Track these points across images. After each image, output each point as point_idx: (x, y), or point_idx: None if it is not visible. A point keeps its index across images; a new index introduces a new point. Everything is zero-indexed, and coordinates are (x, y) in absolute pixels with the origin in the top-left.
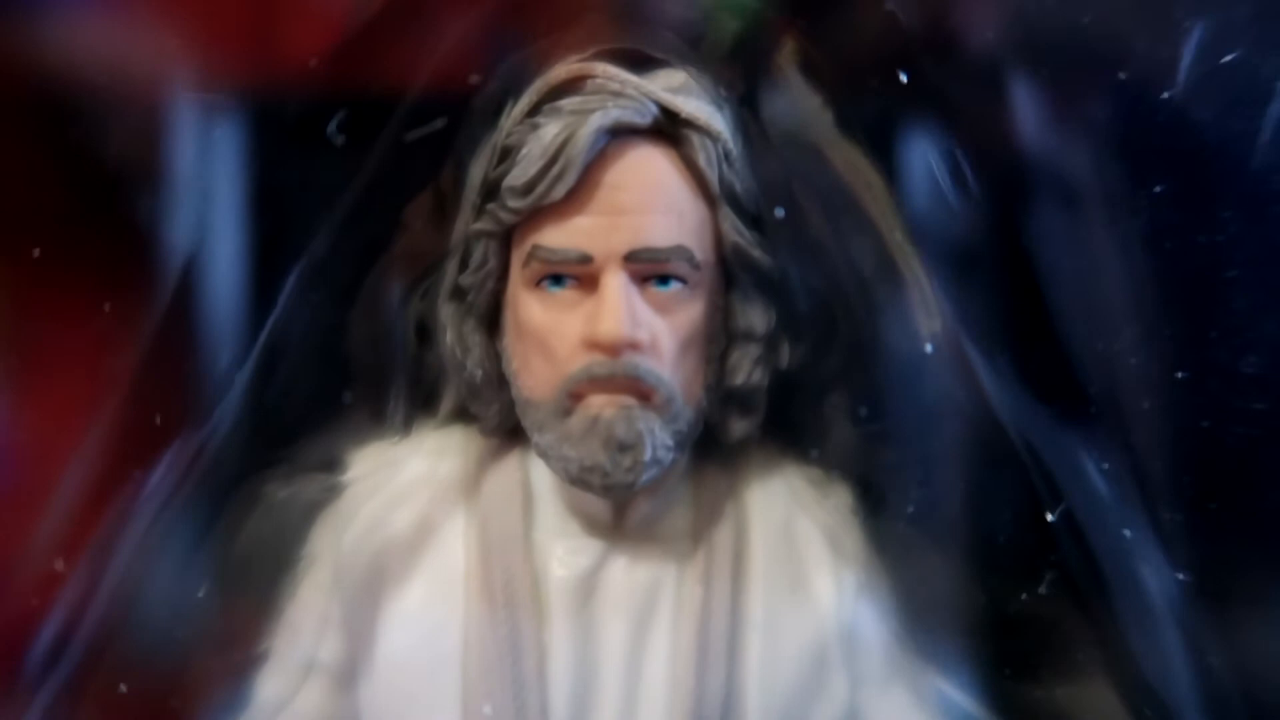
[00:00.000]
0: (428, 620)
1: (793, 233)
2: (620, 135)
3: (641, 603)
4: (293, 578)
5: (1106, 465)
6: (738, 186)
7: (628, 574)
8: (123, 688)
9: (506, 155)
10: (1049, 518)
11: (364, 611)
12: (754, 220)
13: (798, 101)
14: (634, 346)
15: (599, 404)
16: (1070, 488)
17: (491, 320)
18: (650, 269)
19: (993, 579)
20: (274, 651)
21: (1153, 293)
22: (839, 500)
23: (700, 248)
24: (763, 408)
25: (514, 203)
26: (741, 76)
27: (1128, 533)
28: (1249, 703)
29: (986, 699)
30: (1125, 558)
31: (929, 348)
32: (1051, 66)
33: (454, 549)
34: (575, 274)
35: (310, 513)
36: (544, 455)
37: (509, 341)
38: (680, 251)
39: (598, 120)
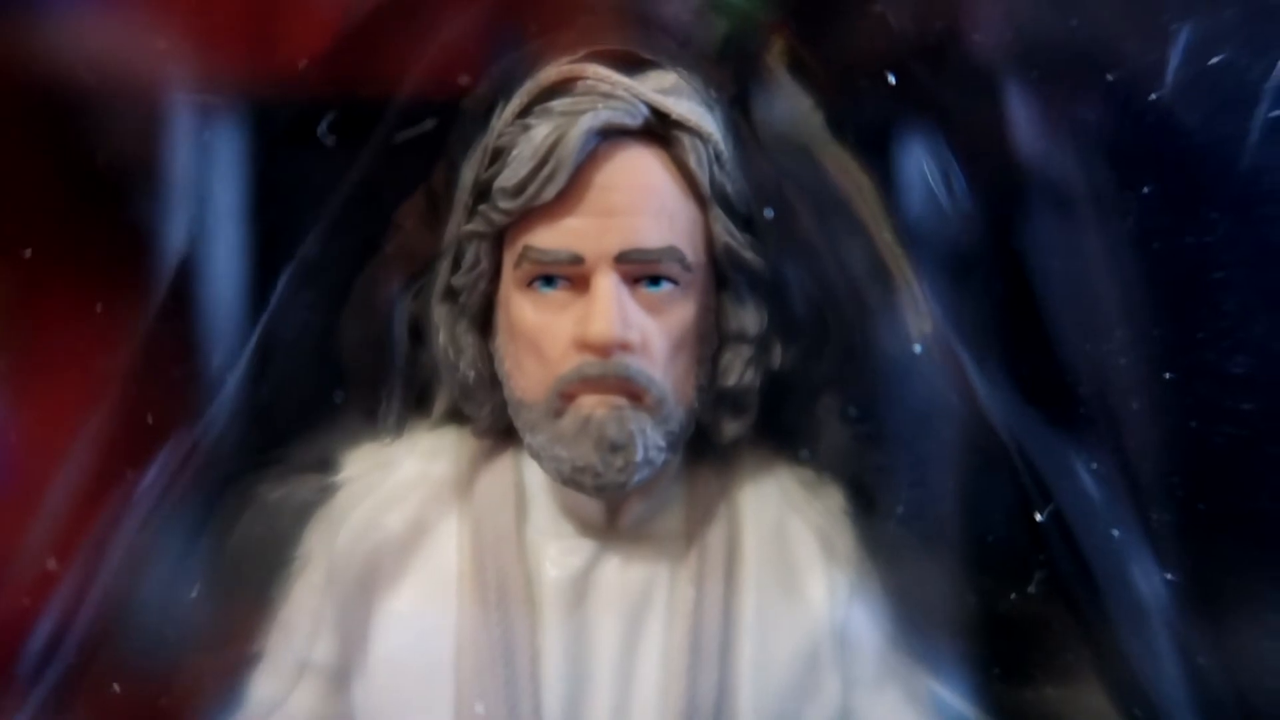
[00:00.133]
0: (421, 620)
1: (784, 234)
2: (611, 136)
3: (634, 603)
4: (286, 578)
5: (1096, 466)
6: (729, 187)
7: (620, 574)
8: (116, 687)
9: (498, 156)
10: (1038, 518)
11: (357, 612)
12: (745, 221)
13: (788, 103)
14: (625, 347)
15: (590, 404)
16: (1060, 488)
17: (484, 321)
18: (641, 270)
19: (983, 579)
20: (268, 652)
21: (1142, 294)
22: (831, 501)
23: (691, 248)
24: (755, 409)
25: (505, 204)
26: (732, 78)
27: (1117, 533)
28: (1238, 702)
29: (978, 699)
30: (1115, 558)
31: (919, 349)
32: (1041, 69)
33: (447, 549)
34: (567, 275)
35: (304, 513)
36: (536, 456)
37: (501, 342)
38: (671, 252)
39: (588, 121)
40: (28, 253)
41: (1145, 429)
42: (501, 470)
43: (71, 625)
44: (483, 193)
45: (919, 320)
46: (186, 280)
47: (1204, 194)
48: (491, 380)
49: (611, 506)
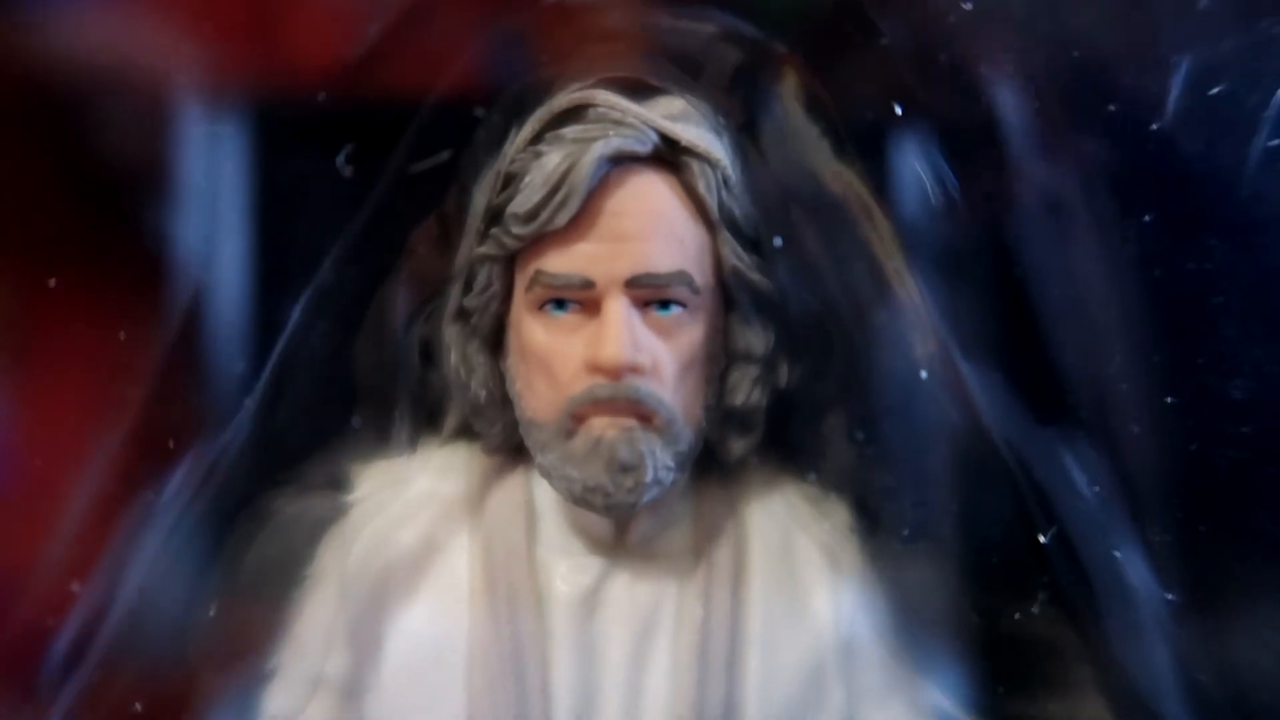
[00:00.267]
0: (432, 636)
1: (791, 256)
2: (621, 163)
3: (643, 618)
4: (299, 594)
5: (1098, 487)
6: (737, 212)
7: (629, 590)
8: (137, 706)
9: (510, 182)
10: (1042, 540)
11: (370, 627)
12: (753, 244)
13: (796, 129)
14: (635, 370)
15: (601, 425)
16: (1063, 508)
17: (495, 342)
18: (651, 294)
19: (987, 596)
20: (281, 667)
21: (1143, 319)
22: (837, 518)
23: (700, 272)
24: (762, 427)
25: (517, 229)
26: (741, 104)
27: (1118, 553)
28: (1238, 718)
29: (982, 714)
30: (1116, 576)
31: (923, 371)
32: (1043, 99)
33: (458, 566)
34: (578, 299)
35: (317, 530)
36: (547, 475)
37: (512, 363)
38: (681, 277)
39: (600, 149)
40: (52, 282)
41: (1146, 451)
42: (512, 488)
43: (90, 640)
44: (495, 217)
45: (924, 341)
46: (201, 291)
47: (1204, 221)
48: (502, 400)
49: (620, 524)
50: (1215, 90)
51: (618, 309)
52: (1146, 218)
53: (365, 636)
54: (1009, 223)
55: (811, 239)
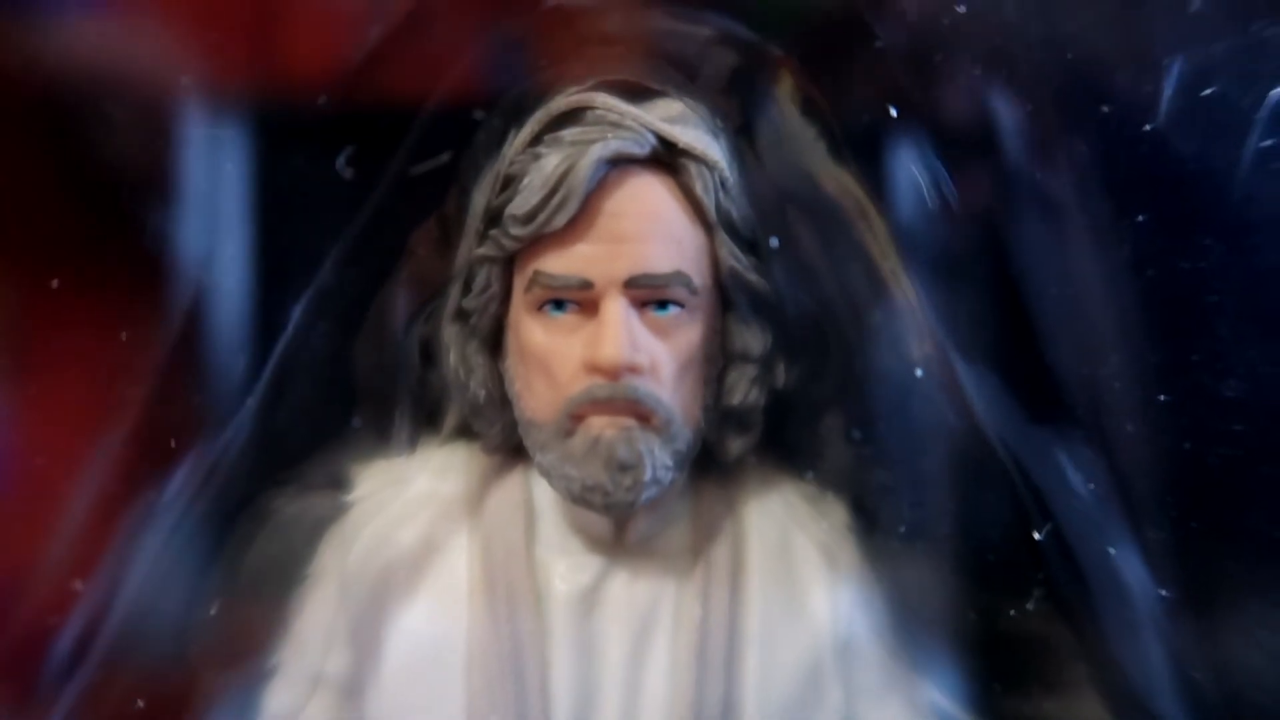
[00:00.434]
0: (432, 634)
1: (788, 257)
2: (619, 165)
3: (641, 617)
4: (300, 593)
5: (1093, 485)
6: (734, 213)
7: (628, 589)
8: (139, 703)
9: (509, 184)
10: (1037, 537)
11: (370, 626)
12: (750, 245)
13: (792, 131)
14: (634, 370)
15: (600, 425)
16: (1058, 507)
17: (494, 342)
18: (649, 294)
19: (984, 594)
20: (282, 665)
21: (1137, 319)
22: (834, 517)
23: (698, 273)
24: (759, 427)
25: (516, 230)
26: (738, 107)
27: (1113, 550)
28: (1230, 713)
29: (978, 711)
30: (1111, 574)
31: (920, 371)
32: (1037, 101)
33: (458, 565)
34: (576, 299)
35: (317, 529)
36: (546, 474)
37: (511, 363)
38: (678, 277)
39: (598, 151)
40: (55, 283)
41: (1140, 449)
42: (511, 487)
43: (92, 640)
44: (494, 218)
45: (920, 342)
46: (202, 291)
47: (1197, 222)
48: (501, 400)
49: (619, 523)
50: (1208, 92)
51: (616, 309)
52: (1140, 218)
53: (365, 635)
54: (1004, 224)
55: (808, 240)
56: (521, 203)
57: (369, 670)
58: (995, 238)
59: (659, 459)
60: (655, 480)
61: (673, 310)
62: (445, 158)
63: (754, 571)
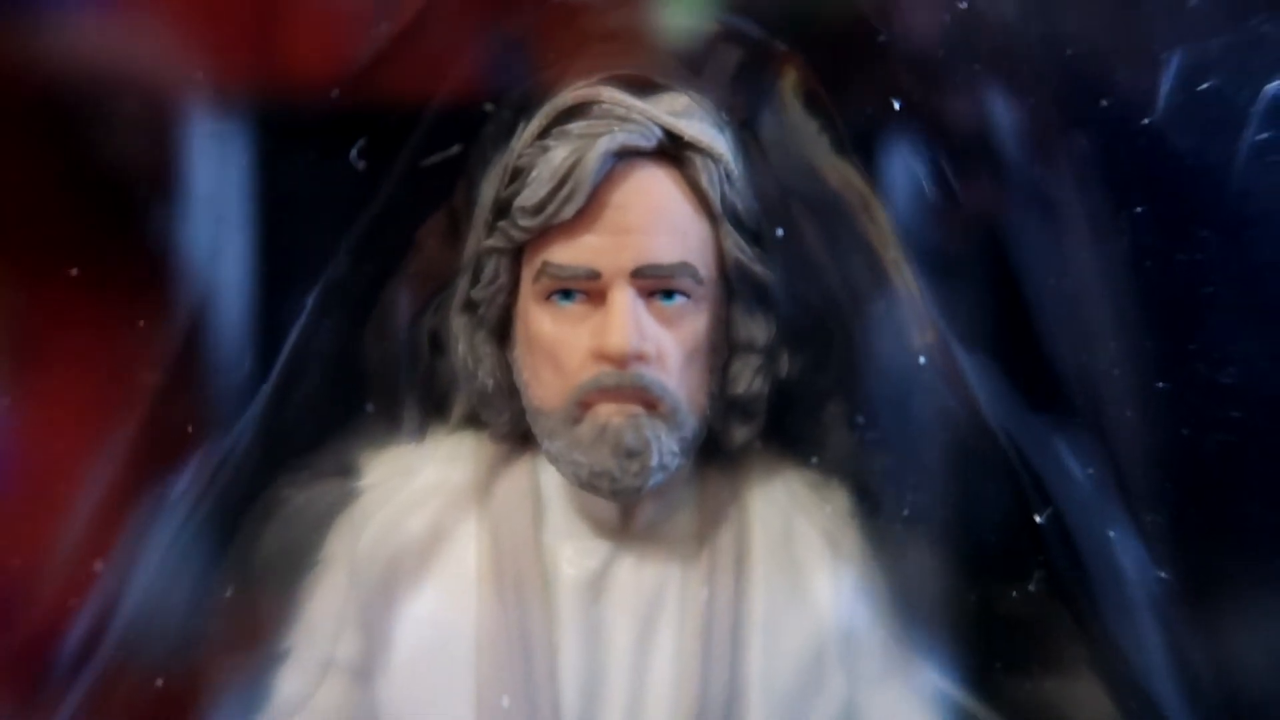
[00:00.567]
0: (441, 620)
1: (791, 249)
2: (626, 157)
3: (648, 602)
4: (310, 579)
5: (1091, 470)
6: (739, 205)
7: (634, 574)
8: (159, 683)
9: (517, 176)
10: (1038, 519)
11: (379, 612)
12: (754, 237)
13: (796, 125)
14: (640, 358)
15: (607, 412)
16: (1058, 491)
17: (502, 332)
18: (656, 284)
19: (985, 578)
20: (292, 650)
21: (1135, 309)
22: (837, 504)
23: (703, 263)
24: (763, 416)
25: (525, 221)
26: (742, 101)
27: (1112, 534)
28: (1226, 694)
29: (980, 692)
30: (1110, 558)
31: (922, 359)
32: (1036, 95)
33: (466, 551)
34: (584, 289)
35: (327, 517)
36: (554, 461)
37: (519, 353)
38: (684, 268)
39: (605, 144)
40: (74, 271)
41: (1139, 436)
42: (518, 475)
43: (101, 637)
44: (502, 210)
45: (922, 331)
46: (204, 289)
47: (1195, 214)
48: (509, 389)
49: (625, 509)
50: (1205, 86)
51: (623, 299)
52: (1139, 210)
53: (375, 622)
54: (1004, 216)
55: (811, 232)
56: (530, 194)
57: (379, 656)
58: (995, 230)
59: (665, 445)
60: (661, 466)
61: (679, 300)
62: (456, 149)
63: (758, 558)
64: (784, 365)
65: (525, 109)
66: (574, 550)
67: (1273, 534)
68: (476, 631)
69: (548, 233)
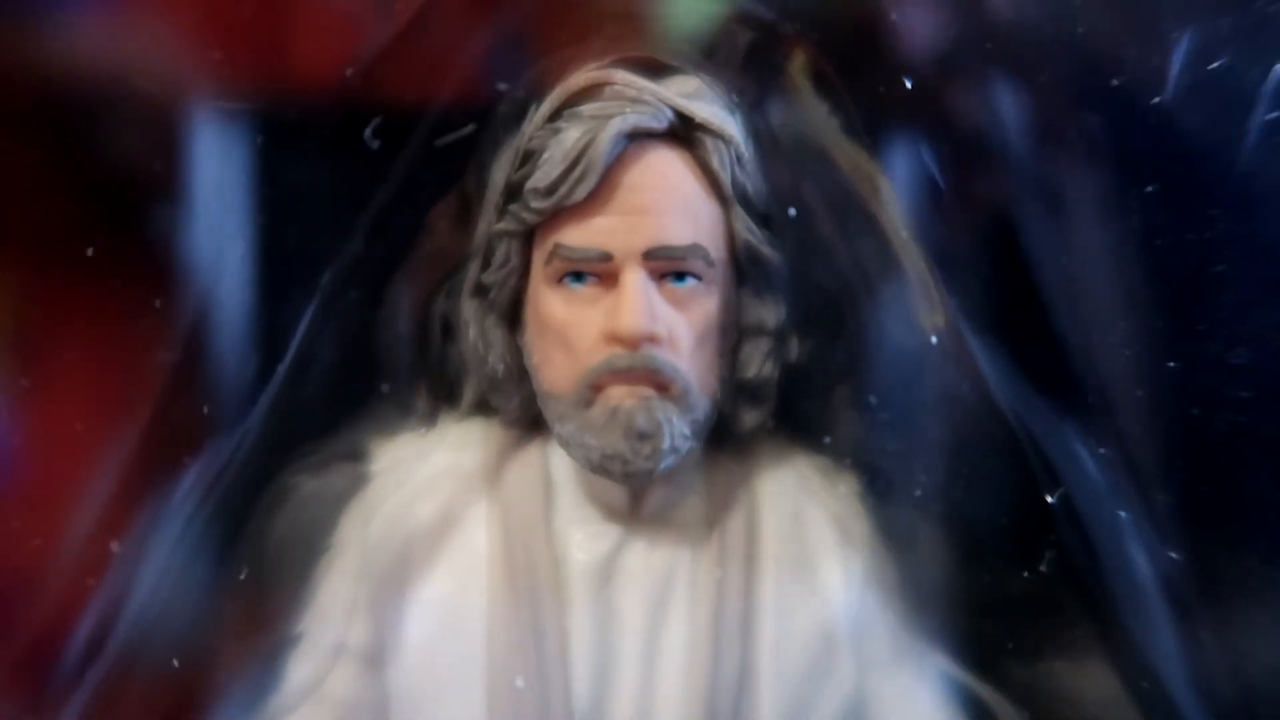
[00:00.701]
0: (452, 605)
1: (801, 231)
2: (638, 139)
3: (658, 586)
4: (322, 564)
5: (1103, 451)
6: (749, 187)
7: (645, 558)
8: (174, 665)
9: (529, 159)
10: (1049, 500)
11: (391, 598)
12: (764, 219)
13: (806, 107)
14: (652, 340)
15: (619, 395)
16: (1068, 472)
17: (512, 316)
18: (667, 266)
19: (996, 560)
20: (304, 636)
21: (1146, 288)
22: (847, 488)
23: (714, 246)
24: (773, 400)
25: (537, 204)
26: (753, 83)
27: (1123, 514)
28: (1235, 674)
29: (990, 674)
30: (1120, 538)
31: (934, 340)
32: (1048, 75)
33: (477, 537)
34: (596, 271)
35: (339, 502)
36: (566, 445)
37: (530, 336)
38: (696, 250)
39: (617, 125)
40: (90, 251)
41: (1149, 416)
42: (529, 460)
43: (107, 635)
44: (513, 193)
45: (932, 313)
46: (206, 288)
47: (1205, 193)
48: (519, 373)
49: (635, 493)
50: (1215, 65)
51: (635, 280)
52: (1149, 189)
53: (386, 607)
54: (1014, 198)
55: (821, 214)
56: (542, 176)
57: (390, 641)
58: (1005, 212)
59: (677, 428)
60: (673, 449)
61: (690, 282)
62: (470, 129)
63: (768, 542)
64: (793, 349)
65: (536, 92)
66: (584, 535)
67: None
68: (487, 616)
69: (559, 215)
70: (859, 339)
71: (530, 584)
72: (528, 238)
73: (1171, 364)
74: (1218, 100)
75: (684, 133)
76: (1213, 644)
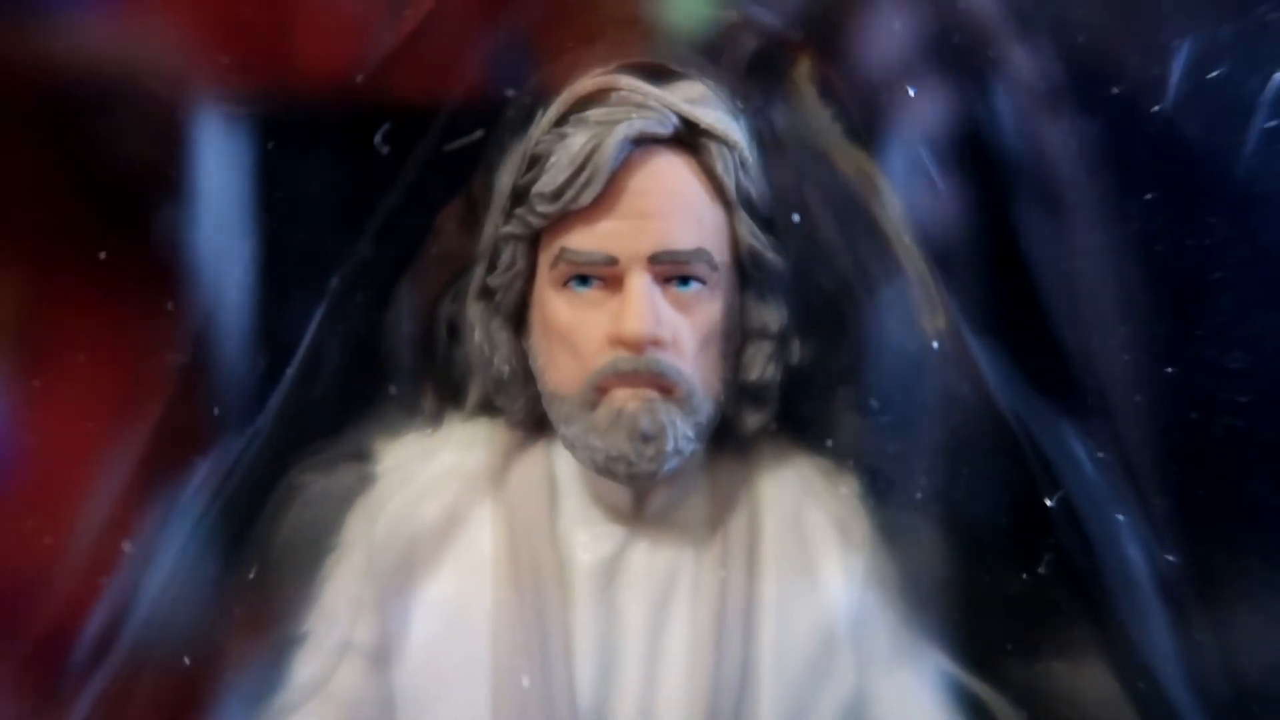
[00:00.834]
0: (457, 605)
1: (804, 235)
2: (643, 144)
3: (661, 586)
4: (328, 563)
5: (1101, 454)
6: (753, 192)
7: (648, 558)
8: (186, 660)
9: (535, 163)
10: (1048, 503)
11: (396, 597)
12: (768, 224)
13: (809, 113)
14: (657, 343)
15: (623, 397)
16: (1067, 475)
17: (518, 319)
18: (672, 270)
19: (994, 561)
20: (310, 634)
21: (1145, 293)
22: (848, 489)
23: (718, 250)
24: (775, 402)
25: (543, 208)
26: (757, 89)
27: (1121, 516)
28: (1230, 674)
29: (988, 674)
30: (1117, 540)
31: (934, 343)
32: (1050, 82)
33: (482, 537)
34: (601, 275)
35: (345, 502)
36: (571, 446)
37: (535, 339)
38: (700, 254)
39: (623, 130)
40: (103, 254)
41: (1147, 419)
42: (534, 461)
43: (124, 619)
44: (520, 197)
45: (933, 317)
46: (212, 287)
47: (1204, 200)
48: (525, 374)
49: (639, 494)
50: (1214, 74)
51: (640, 284)
52: (1149, 196)
53: (392, 606)
54: (1015, 202)
55: (823, 219)
56: (548, 181)
57: (396, 640)
58: (1009, 215)
59: (680, 430)
60: (677, 451)
61: (694, 286)
62: (479, 134)
63: (769, 543)
64: (795, 351)
65: (542, 97)
66: (588, 535)
67: (1278, 516)
68: (492, 616)
69: (565, 219)
70: (860, 342)
71: (535, 584)
72: (534, 241)
73: (1169, 368)
74: (1217, 108)
75: (689, 138)
76: (1209, 644)
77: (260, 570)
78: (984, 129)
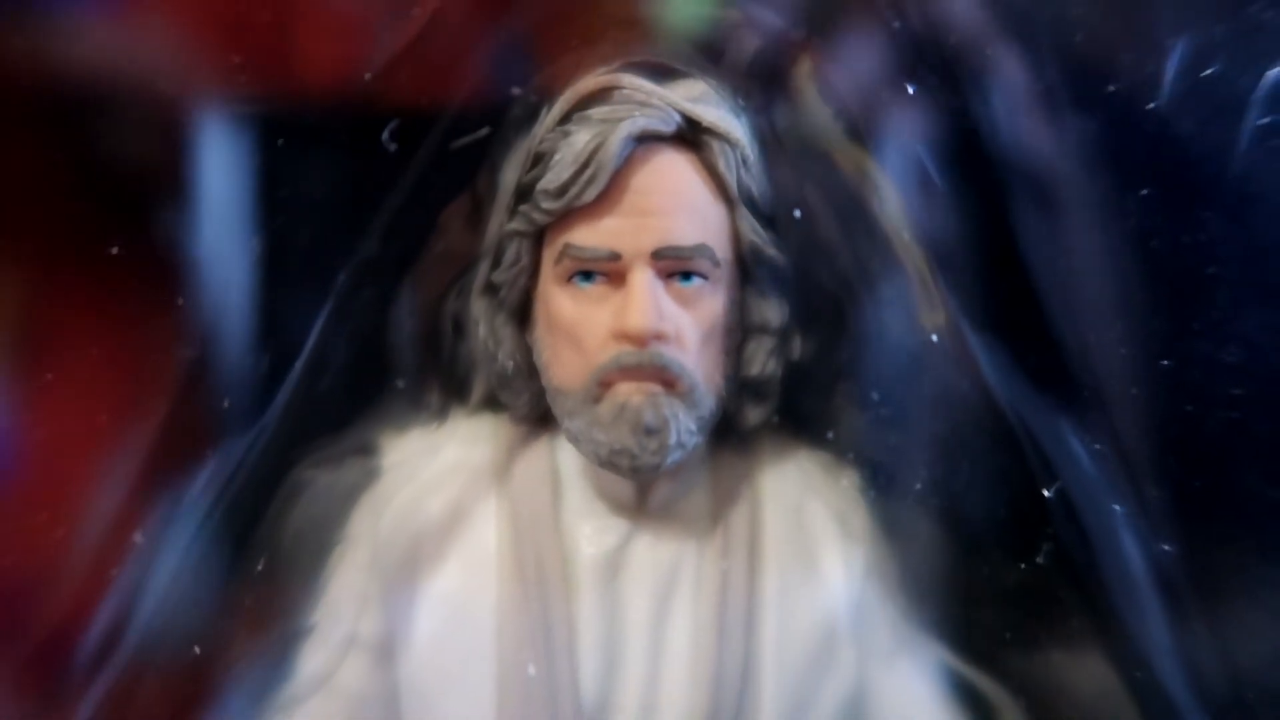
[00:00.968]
0: (462, 599)
1: (805, 232)
2: (646, 142)
3: (664, 579)
4: (333, 558)
5: (1098, 446)
6: (754, 189)
7: (651, 552)
8: (196, 649)
9: (539, 160)
10: (1046, 494)
11: (401, 591)
12: (769, 221)
13: (810, 111)
14: (660, 338)
15: (627, 391)
16: (1064, 467)
17: (522, 315)
18: (674, 266)
19: (992, 553)
20: (316, 628)
21: (1141, 289)
22: (848, 482)
23: (720, 246)
24: (776, 397)
25: (547, 205)
26: (758, 87)
27: (1118, 508)
28: (1226, 664)
29: (986, 665)
30: (1114, 532)
31: (934, 338)
32: (1046, 81)
33: (486, 531)
34: (605, 271)
35: (350, 497)
36: (574, 440)
37: (539, 334)
38: (703, 250)
39: (626, 128)
40: (114, 249)
41: (1143, 413)
42: (537, 455)
43: (129, 615)
44: (524, 194)
45: (932, 313)
46: (214, 287)
47: (1198, 196)
48: (529, 370)
49: (642, 488)
50: (1208, 72)
51: (643, 280)
52: (1144, 193)
53: (397, 600)
54: (1012, 198)
55: (824, 215)
56: (553, 178)
57: (401, 633)
58: (1006, 211)
59: (683, 424)
60: (679, 444)
61: (696, 282)
62: (485, 132)
63: (770, 536)
64: (796, 347)
65: (546, 96)
66: (592, 528)
67: (1274, 508)
68: (497, 609)
69: (569, 216)
70: (860, 337)
71: (539, 577)
72: (538, 238)
73: (1165, 362)
74: (1211, 106)
75: (691, 136)
76: (1205, 635)
77: (266, 565)
78: (981, 127)
